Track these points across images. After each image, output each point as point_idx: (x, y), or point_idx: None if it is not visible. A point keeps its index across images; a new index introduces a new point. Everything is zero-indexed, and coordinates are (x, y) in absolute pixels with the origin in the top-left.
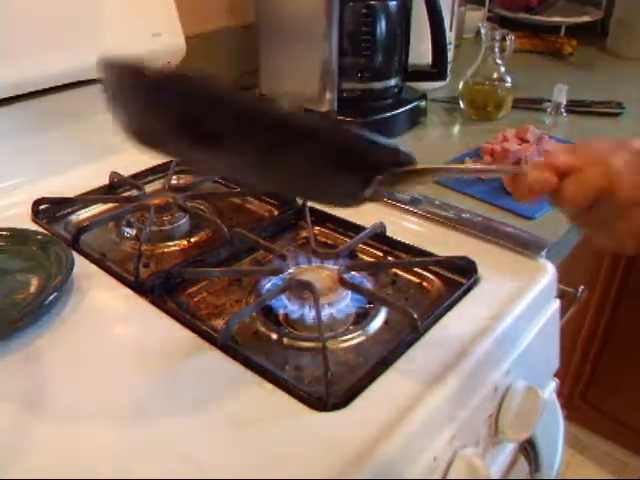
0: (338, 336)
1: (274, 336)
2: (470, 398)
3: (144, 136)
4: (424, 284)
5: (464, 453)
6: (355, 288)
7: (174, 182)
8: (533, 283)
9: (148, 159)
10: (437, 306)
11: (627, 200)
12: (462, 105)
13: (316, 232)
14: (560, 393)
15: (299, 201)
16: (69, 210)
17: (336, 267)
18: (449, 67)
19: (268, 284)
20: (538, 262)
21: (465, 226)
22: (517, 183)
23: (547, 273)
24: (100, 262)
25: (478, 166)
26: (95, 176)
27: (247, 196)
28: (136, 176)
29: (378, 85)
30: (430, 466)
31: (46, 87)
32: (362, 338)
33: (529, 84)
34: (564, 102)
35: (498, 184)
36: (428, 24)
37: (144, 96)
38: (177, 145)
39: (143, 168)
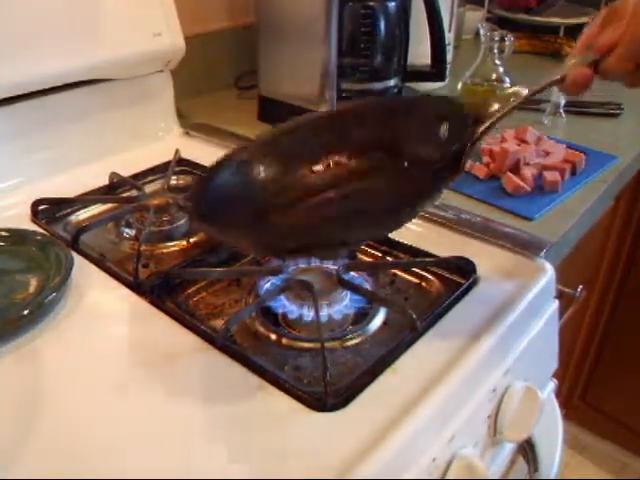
0: (337, 336)
1: (273, 336)
2: (469, 398)
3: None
4: (423, 284)
5: (463, 453)
6: (354, 288)
7: (173, 182)
8: (532, 283)
9: (147, 159)
10: (436, 306)
11: None
12: None
13: None
14: (559, 393)
15: None
16: (68, 210)
17: (335, 267)
18: (448, 68)
19: (267, 284)
20: (537, 262)
21: (464, 226)
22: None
23: (546, 273)
24: (99, 262)
25: (535, 88)
26: (95, 176)
27: None
28: (136, 176)
29: (377, 85)
30: (429, 466)
31: (46, 87)
32: (361, 338)
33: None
34: (563, 103)
35: (497, 185)
36: (427, 25)
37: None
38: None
39: (143, 168)
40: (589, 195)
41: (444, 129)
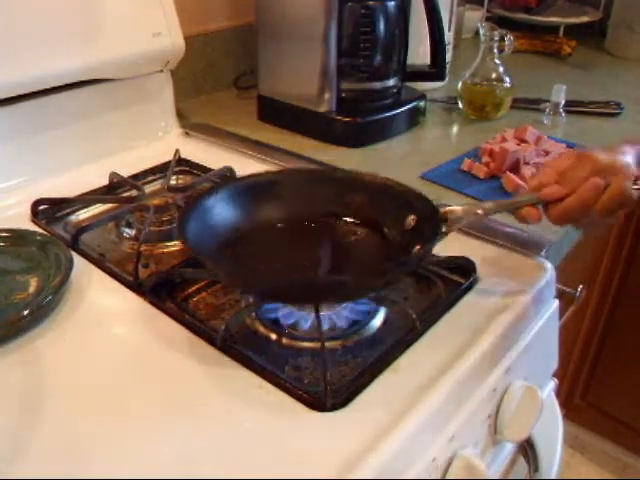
0: (337, 336)
1: (273, 336)
2: (469, 398)
3: None
4: (423, 284)
5: (463, 453)
6: None
7: (173, 182)
8: (532, 283)
9: (147, 159)
10: (436, 306)
11: (598, 214)
12: (461, 105)
13: None
14: (559, 393)
15: None
16: (68, 210)
17: None
18: (448, 67)
19: None
20: (537, 262)
21: (465, 226)
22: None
23: (546, 273)
24: (99, 262)
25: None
26: (95, 176)
27: None
28: (135, 176)
29: (377, 85)
30: (429, 466)
31: (46, 87)
32: (361, 338)
33: (528, 84)
34: (562, 102)
35: (497, 184)
36: (426, 24)
37: None
38: None
39: (142, 168)
40: None
41: (410, 219)
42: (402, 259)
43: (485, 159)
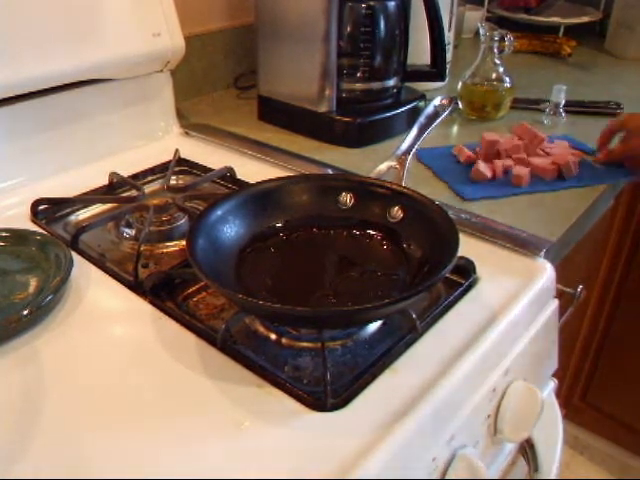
0: (337, 336)
1: (273, 336)
2: (469, 398)
3: None
4: None
5: (463, 453)
6: None
7: (173, 182)
8: (532, 283)
9: (147, 159)
10: (436, 306)
11: None
12: (461, 105)
13: None
14: (559, 393)
15: None
16: (68, 210)
17: None
18: (448, 67)
19: None
20: (537, 262)
21: (464, 226)
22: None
23: (546, 273)
24: (99, 262)
25: None
26: (95, 176)
27: None
28: (135, 176)
29: (377, 85)
30: (429, 466)
31: (46, 87)
32: (361, 338)
33: (528, 84)
34: (562, 102)
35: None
36: (427, 24)
37: None
38: None
39: (142, 168)
40: (589, 195)
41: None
42: (412, 292)
43: (478, 148)
